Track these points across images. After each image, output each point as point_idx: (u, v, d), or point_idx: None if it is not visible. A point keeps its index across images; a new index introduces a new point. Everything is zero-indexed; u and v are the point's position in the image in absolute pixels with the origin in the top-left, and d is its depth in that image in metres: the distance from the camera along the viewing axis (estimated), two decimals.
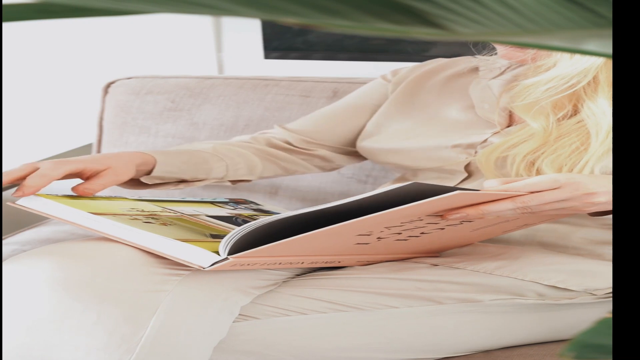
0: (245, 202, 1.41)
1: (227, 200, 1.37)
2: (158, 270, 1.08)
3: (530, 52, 1.30)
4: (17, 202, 1.16)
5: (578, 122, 1.25)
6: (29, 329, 1.04)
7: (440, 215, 1.07)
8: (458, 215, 1.06)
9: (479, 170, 1.30)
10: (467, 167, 1.32)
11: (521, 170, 1.23)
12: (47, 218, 1.99)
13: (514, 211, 1.08)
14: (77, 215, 1.13)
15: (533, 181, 1.09)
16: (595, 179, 1.12)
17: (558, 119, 1.26)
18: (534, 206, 1.08)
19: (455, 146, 1.33)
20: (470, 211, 1.07)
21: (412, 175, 1.40)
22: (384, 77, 1.53)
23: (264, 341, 1.12)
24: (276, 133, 1.51)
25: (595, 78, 1.25)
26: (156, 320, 1.04)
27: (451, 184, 1.32)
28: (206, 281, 1.08)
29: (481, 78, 1.42)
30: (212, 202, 1.32)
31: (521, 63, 1.35)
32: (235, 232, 1.03)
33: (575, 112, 1.27)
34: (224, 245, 1.03)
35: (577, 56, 1.25)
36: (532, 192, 1.08)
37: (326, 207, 1.02)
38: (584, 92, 1.26)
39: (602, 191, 1.10)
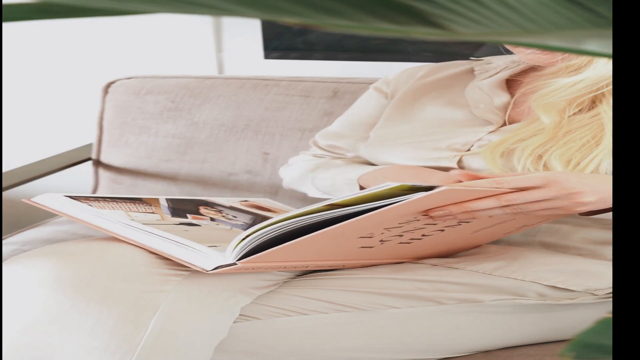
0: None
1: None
2: (158, 270, 1.08)
3: (562, 54, 1.30)
4: (32, 200, 1.16)
5: (593, 116, 1.25)
6: (30, 329, 1.04)
7: (426, 213, 1.07)
8: (441, 212, 1.07)
9: (469, 168, 1.31)
10: (459, 164, 1.33)
11: (528, 164, 1.23)
12: (49, 218, 2.00)
13: (502, 209, 1.08)
14: (90, 214, 1.13)
15: (520, 177, 1.10)
16: (582, 178, 1.12)
17: (574, 114, 1.26)
18: (521, 205, 1.08)
19: (449, 146, 1.33)
20: (453, 208, 1.07)
21: None
22: (378, 90, 1.53)
23: (265, 341, 1.12)
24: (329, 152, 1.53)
25: None
26: (157, 321, 1.04)
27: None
28: (207, 282, 1.08)
29: (476, 79, 1.43)
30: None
31: (548, 65, 1.33)
32: (252, 239, 1.03)
33: (593, 106, 1.27)
34: (237, 251, 1.04)
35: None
36: (517, 190, 1.09)
37: (334, 209, 1.03)
38: (607, 89, 1.26)
39: (587, 190, 1.11)
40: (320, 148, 1.54)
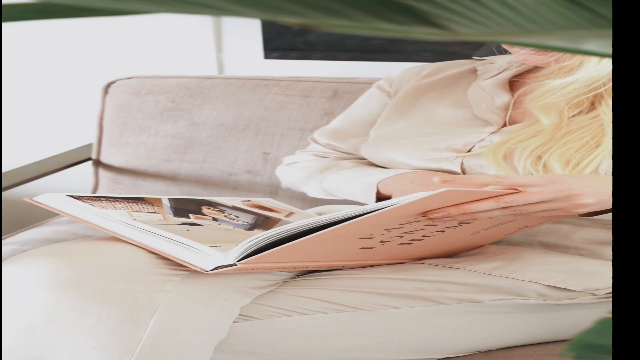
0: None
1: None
2: (157, 270, 1.08)
3: (555, 55, 1.30)
4: (34, 199, 1.16)
5: (593, 117, 1.26)
6: (29, 329, 1.04)
7: (425, 215, 1.07)
8: (440, 214, 1.07)
9: (471, 169, 1.31)
10: (460, 166, 1.33)
11: (528, 165, 1.23)
12: (49, 218, 2.00)
13: (501, 211, 1.08)
14: (91, 214, 1.13)
15: (518, 178, 1.10)
16: (581, 180, 1.12)
17: (573, 115, 1.27)
18: (520, 206, 1.08)
19: (449, 146, 1.33)
20: (452, 210, 1.07)
21: None
22: (381, 88, 1.53)
23: (265, 341, 1.12)
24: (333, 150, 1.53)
25: None
26: (156, 321, 1.04)
27: None
28: (206, 282, 1.08)
29: (479, 79, 1.43)
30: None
31: (544, 66, 1.34)
32: (257, 242, 1.03)
33: (592, 108, 1.27)
34: (239, 252, 1.04)
35: (606, 59, 1.25)
36: (516, 192, 1.09)
37: (338, 216, 1.03)
38: (605, 90, 1.26)
39: (586, 192, 1.11)
40: (320, 145, 1.54)
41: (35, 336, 1.04)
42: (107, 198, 1.19)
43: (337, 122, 1.55)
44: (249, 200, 1.34)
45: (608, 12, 0.40)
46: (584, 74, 1.26)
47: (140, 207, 1.19)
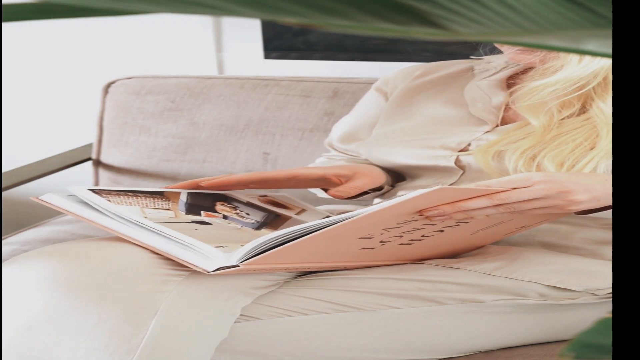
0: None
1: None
2: (158, 270, 1.08)
3: (539, 55, 1.30)
4: (39, 198, 1.16)
5: (585, 119, 1.26)
6: (29, 330, 1.04)
7: (421, 214, 1.08)
8: (436, 212, 1.07)
9: (470, 167, 1.31)
10: (458, 164, 1.33)
11: (520, 166, 1.23)
12: (49, 218, 2.00)
13: (495, 208, 1.08)
14: (95, 213, 1.13)
15: (505, 179, 1.10)
16: (572, 177, 1.12)
17: (563, 117, 1.27)
18: (515, 204, 1.08)
19: (443, 144, 1.34)
20: (447, 208, 1.07)
21: (410, 176, 1.40)
22: (378, 90, 1.54)
23: (266, 341, 1.12)
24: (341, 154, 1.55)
25: (605, 78, 1.26)
26: (157, 321, 1.03)
27: (449, 181, 1.32)
28: (207, 282, 1.08)
29: (476, 78, 1.43)
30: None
31: (529, 65, 1.34)
32: (260, 245, 1.03)
33: (584, 110, 1.28)
34: (242, 253, 1.04)
35: (587, 59, 1.25)
36: (509, 189, 1.09)
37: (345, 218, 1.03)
38: (594, 91, 1.27)
39: (578, 189, 1.11)
40: (337, 150, 1.55)
41: (35, 336, 1.03)
42: (125, 192, 1.18)
43: (344, 126, 1.55)
44: (265, 196, 1.34)
45: (608, 12, 0.40)
46: (564, 75, 1.27)
47: (156, 202, 1.19)
